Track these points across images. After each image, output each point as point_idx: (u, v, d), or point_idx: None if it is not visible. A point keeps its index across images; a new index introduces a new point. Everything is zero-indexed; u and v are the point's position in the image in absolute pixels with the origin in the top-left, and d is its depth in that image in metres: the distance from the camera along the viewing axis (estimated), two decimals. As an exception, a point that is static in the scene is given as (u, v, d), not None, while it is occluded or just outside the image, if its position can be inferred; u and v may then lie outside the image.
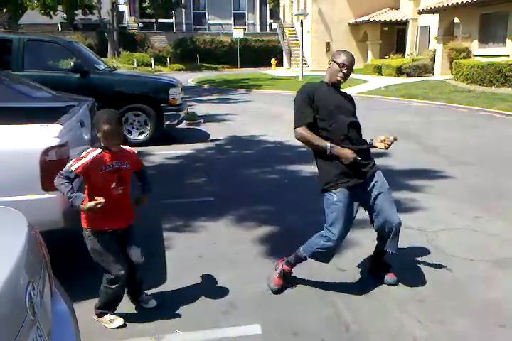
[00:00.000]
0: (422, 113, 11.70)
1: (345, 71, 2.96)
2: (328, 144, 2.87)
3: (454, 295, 3.04)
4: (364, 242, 3.88)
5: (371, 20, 24.80)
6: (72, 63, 7.64)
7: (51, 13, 30.63)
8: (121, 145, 2.71)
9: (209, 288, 3.17)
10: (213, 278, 3.29)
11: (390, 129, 9.32)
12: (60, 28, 40.06)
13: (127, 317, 2.81)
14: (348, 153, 2.86)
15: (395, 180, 5.73)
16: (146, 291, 2.99)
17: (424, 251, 3.71)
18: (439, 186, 5.50)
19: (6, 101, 5.37)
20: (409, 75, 19.42)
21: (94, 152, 2.56)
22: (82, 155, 2.55)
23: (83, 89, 6.68)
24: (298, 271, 3.38)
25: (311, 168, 6.28)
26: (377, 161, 6.52)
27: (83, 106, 4.25)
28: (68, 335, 1.64)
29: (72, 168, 2.48)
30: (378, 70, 21.49)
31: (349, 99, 3.13)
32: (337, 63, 2.96)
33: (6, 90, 5.73)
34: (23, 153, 2.89)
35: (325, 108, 2.92)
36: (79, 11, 33.59)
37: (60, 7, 32.05)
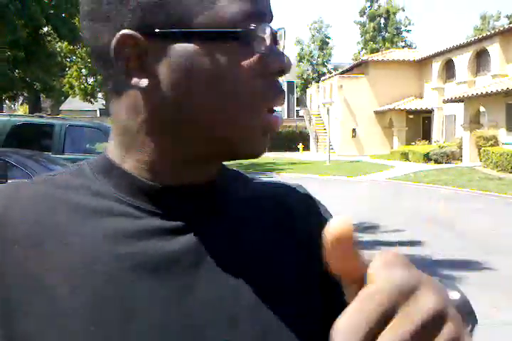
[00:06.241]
0: (451, 199, 11.53)
1: None
2: None
3: None
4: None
5: (396, 108, 25.60)
6: (109, 147, 7.98)
7: (92, 100, 32.94)
8: None
9: None
10: None
11: (420, 215, 9.14)
12: (98, 114, 42.66)
13: None
14: None
15: (431, 269, 5.49)
16: None
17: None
18: (476, 276, 5.23)
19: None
20: (436, 162, 19.50)
21: None
22: None
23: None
24: None
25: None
26: (411, 250, 6.40)
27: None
28: None
29: None
30: (405, 156, 21.71)
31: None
32: None
33: (44, 171, 5.96)
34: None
35: None
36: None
37: (100, 94, 34.51)
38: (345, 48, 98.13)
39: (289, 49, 50.52)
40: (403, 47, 41.58)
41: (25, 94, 21.80)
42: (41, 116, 9.35)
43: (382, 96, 27.01)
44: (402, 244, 6.81)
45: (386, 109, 26.29)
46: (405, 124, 26.07)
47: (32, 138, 8.11)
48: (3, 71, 15.87)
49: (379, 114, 27.54)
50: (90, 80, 32.32)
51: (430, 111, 24.92)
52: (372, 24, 45.49)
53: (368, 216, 8.99)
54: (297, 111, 46.10)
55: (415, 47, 41.78)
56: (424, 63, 26.44)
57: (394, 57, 28.05)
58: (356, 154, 26.63)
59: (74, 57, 26.86)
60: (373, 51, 40.53)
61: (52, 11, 14.35)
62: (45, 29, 16.73)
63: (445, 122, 23.56)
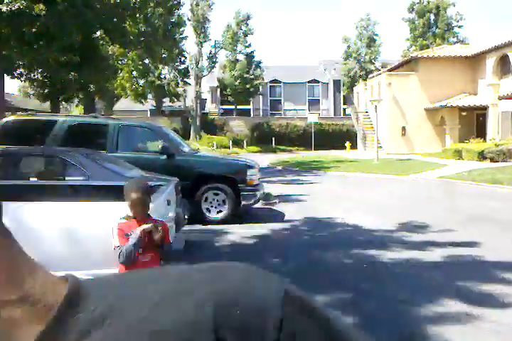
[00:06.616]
0: (508, 199, 11.07)
1: None
2: None
3: None
4: (454, 338, 3.52)
5: (448, 105, 24.81)
6: (160, 146, 8.20)
7: (143, 100, 33.88)
8: (152, 217, 2.82)
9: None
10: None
11: (475, 215, 8.83)
12: (149, 114, 43.75)
13: None
14: None
15: (487, 272, 5.30)
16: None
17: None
18: (537, 279, 5.00)
19: (100, 179, 5.79)
20: (492, 160, 18.74)
21: (117, 222, 2.72)
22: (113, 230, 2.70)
23: (169, 170, 7.08)
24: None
25: (389, 254, 6.00)
26: (464, 251, 6.17)
27: (170, 185, 4.48)
28: None
29: (116, 244, 2.66)
30: (458, 155, 21.00)
31: None
32: None
33: (100, 170, 6.20)
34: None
35: None
36: (166, 99, 36.88)
37: (150, 95, 35.47)
38: (394, 45, 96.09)
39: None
40: (455, 42, 40.19)
41: (80, 96, 22.72)
42: (95, 117, 9.70)
43: (433, 93, 26.26)
44: (454, 244, 6.60)
45: (437, 107, 25.53)
46: (458, 122, 25.22)
47: (87, 138, 8.42)
48: (60, 74, 16.59)
49: (430, 111, 26.79)
50: (141, 82, 33.26)
51: (484, 108, 23.97)
52: (421, 20, 44.24)
53: (418, 215, 8.78)
54: (344, 109, 45.51)
55: (468, 43, 40.30)
56: (477, 59, 25.47)
57: (445, 53, 27.20)
58: (406, 152, 26.02)
59: (125, 60, 27.71)
60: (423, 47, 39.41)
61: (104, 16, 14.85)
62: (98, 33, 17.35)
63: (501, 119, 22.59)
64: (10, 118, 8.81)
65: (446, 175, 15.65)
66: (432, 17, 44.43)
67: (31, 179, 5.99)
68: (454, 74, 25.98)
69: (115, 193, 4.24)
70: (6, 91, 15.29)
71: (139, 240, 2.61)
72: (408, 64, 29.38)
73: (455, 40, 43.39)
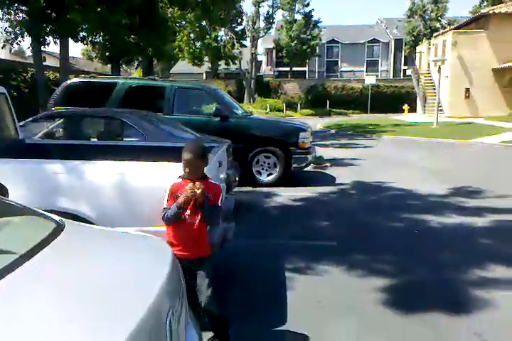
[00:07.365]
0: None
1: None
2: None
3: None
4: (502, 304, 3.53)
5: (518, 65, 23.24)
6: (214, 108, 8.33)
7: (199, 63, 34.03)
8: (209, 180, 2.83)
9: (327, 337, 3.12)
10: (331, 327, 3.24)
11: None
12: (204, 77, 43.94)
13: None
14: None
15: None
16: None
17: None
18: None
19: (156, 141, 6.03)
20: (562, 124, 17.59)
21: (171, 182, 2.79)
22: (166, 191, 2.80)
23: (222, 132, 7.21)
24: None
25: (441, 219, 5.94)
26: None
27: (222, 147, 4.60)
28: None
29: (165, 206, 2.77)
30: (525, 118, 19.85)
31: None
32: None
33: (156, 131, 6.44)
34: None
35: None
36: (222, 62, 36.85)
37: (206, 58, 35.50)
38: (463, 1, 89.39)
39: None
40: (532, -5, 36.91)
41: (139, 59, 23.11)
42: (153, 79, 9.91)
43: (503, 53, 24.61)
44: (509, 210, 6.43)
45: (507, 67, 23.97)
46: (528, 83, 23.66)
47: (145, 100, 8.65)
48: (121, 37, 16.89)
49: (498, 72, 25.21)
50: (198, 44, 33.25)
51: (559, 69, 22.26)
52: (495, -29, 40.83)
53: (475, 181, 8.53)
54: (404, 70, 43.63)
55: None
56: (555, 13, 23.46)
57: (520, 8, 25.21)
58: (469, 116, 24.85)
59: (183, 22, 27.69)
60: (495, 3, 36.59)
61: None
62: (158, -5, 17.36)
63: None
64: (73, 80, 9.18)
65: (510, 140, 14.91)
66: (508, -32, 40.90)
67: (92, 139, 6.32)
68: (528, 32, 24.15)
69: (170, 154, 4.43)
70: (69, 54, 15.80)
71: (183, 202, 2.68)
72: (477, 21, 27.55)
73: (532, -7, 39.88)
